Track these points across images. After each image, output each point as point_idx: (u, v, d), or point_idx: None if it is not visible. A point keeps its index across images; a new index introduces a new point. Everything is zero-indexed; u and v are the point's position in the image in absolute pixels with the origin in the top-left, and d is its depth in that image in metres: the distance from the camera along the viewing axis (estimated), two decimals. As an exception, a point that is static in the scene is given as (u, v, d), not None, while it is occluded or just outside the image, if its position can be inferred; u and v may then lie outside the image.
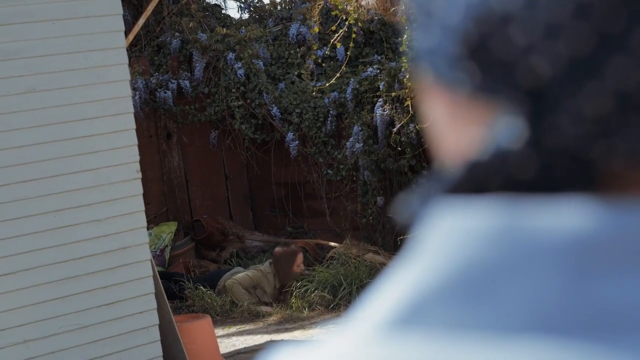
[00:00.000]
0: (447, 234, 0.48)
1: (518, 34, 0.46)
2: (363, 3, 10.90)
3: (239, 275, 9.95)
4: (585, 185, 0.46)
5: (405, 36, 10.01)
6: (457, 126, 0.51)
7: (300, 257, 10.06)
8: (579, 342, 0.44)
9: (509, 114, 0.47)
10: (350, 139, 10.73)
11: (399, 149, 10.40)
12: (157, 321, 6.59)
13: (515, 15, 0.46)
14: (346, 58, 11.24)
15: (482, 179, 0.47)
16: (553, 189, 0.46)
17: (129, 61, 6.72)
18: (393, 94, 10.29)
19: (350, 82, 10.90)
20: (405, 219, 0.52)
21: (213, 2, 12.66)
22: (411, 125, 10.12)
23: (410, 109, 10.10)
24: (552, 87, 0.46)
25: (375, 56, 11.46)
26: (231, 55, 11.58)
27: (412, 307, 0.47)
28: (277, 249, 10.23)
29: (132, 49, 11.39)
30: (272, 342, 8.49)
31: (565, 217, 0.46)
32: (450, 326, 0.46)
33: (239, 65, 11.52)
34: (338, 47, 11.22)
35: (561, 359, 0.43)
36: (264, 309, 9.69)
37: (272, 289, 9.99)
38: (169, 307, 6.95)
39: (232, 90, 11.59)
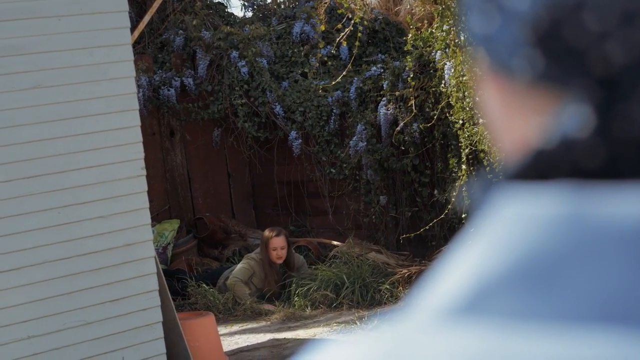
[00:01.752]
0: (510, 221, 0.47)
1: (592, 20, 0.45)
2: (367, 2, 10.90)
3: (237, 270, 9.92)
4: None
5: (410, 35, 10.00)
6: (515, 115, 0.50)
7: (275, 241, 9.88)
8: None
9: (576, 102, 0.46)
10: (354, 138, 10.73)
11: (403, 148, 10.40)
12: (160, 318, 6.58)
13: (589, 1, 0.46)
14: (350, 57, 11.24)
15: (549, 166, 0.47)
16: (620, 176, 0.45)
17: (133, 59, 6.71)
18: (397, 93, 10.28)
19: (354, 81, 10.90)
20: (467, 206, 0.51)
21: (217, 0, 12.66)
22: (415, 125, 10.11)
23: (413, 108, 10.09)
24: (626, 75, 0.45)
25: (379, 55, 11.46)
26: (235, 53, 11.58)
27: (474, 296, 0.47)
28: (265, 231, 10.18)
29: (135, 46, 11.39)
30: (274, 340, 8.48)
31: (630, 204, 0.45)
32: (512, 315, 0.45)
33: (243, 64, 11.52)
34: (343, 45, 11.21)
35: (625, 348, 0.43)
36: (266, 306, 9.67)
37: (264, 275, 9.96)
38: (173, 305, 6.95)
39: (236, 88, 11.58)
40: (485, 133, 8.34)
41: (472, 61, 0.52)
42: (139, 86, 10.99)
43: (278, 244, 9.86)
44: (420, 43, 9.96)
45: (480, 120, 8.29)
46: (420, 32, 10.03)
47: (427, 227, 9.94)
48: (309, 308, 9.47)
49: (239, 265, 10.02)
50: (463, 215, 9.35)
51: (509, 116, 0.51)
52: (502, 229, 0.47)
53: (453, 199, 9.36)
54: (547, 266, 0.45)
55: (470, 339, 0.45)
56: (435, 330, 0.47)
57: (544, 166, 0.47)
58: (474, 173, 8.80)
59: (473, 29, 0.51)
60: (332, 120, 11.08)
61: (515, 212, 0.47)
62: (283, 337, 8.56)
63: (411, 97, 10.11)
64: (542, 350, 0.44)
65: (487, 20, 0.50)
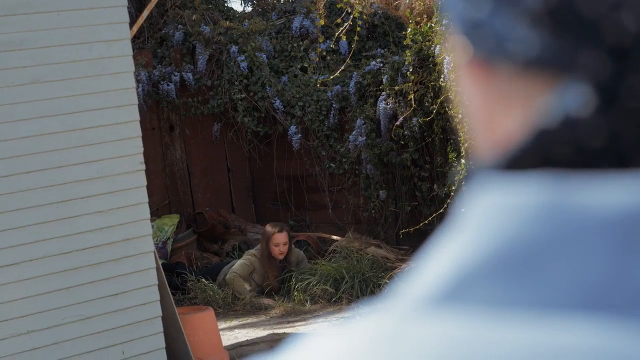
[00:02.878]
0: (492, 210, 0.47)
1: None
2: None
3: (236, 266, 9.93)
4: None
5: (409, 29, 10.00)
6: (498, 107, 0.50)
7: (278, 237, 9.89)
8: (625, 319, 0.43)
9: (581, 77, 0.46)
10: (353, 133, 10.73)
11: (402, 142, 10.40)
12: (160, 313, 6.59)
13: None
14: (350, 51, 11.23)
15: (550, 147, 0.46)
16: (624, 154, 0.45)
17: (132, 53, 6.70)
18: (396, 87, 10.28)
19: (353, 75, 10.89)
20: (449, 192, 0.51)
21: (216, -5, 12.65)
22: (414, 119, 10.11)
23: (413, 102, 10.09)
24: (639, 43, 0.45)
25: (379, 50, 11.45)
26: (234, 48, 11.57)
27: (455, 284, 0.47)
28: (266, 226, 10.19)
29: (135, 41, 11.38)
30: (274, 334, 8.49)
31: (616, 192, 0.45)
32: (494, 303, 0.45)
33: (242, 58, 11.51)
34: (343, 39, 11.21)
35: (607, 336, 0.43)
36: (266, 301, 9.68)
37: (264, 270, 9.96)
38: (172, 299, 6.95)
39: (235, 83, 11.58)
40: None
41: (455, 52, 0.49)
42: (138, 81, 10.99)
43: (280, 240, 9.86)
44: (420, 37, 9.96)
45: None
46: (420, 26, 10.02)
47: (426, 222, 9.94)
48: (308, 303, 9.47)
49: (239, 261, 10.02)
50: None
51: (491, 108, 0.50)
52: (483, 218, 0.47)
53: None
54: (529, 254, 0.45)
55: (452, 327, 0.45)
56: (418, 319, 0.47)
57: (528, 154, 0.47)
58: (472, 166, 8.78)
59: (459, 16, 0.50)
60: (331, 115, 11.08)
61: (497, 201, 0.47)
62: (283, 331, 8.56)
63: (410, 92, 10.11)
64: (524, 337, 0.44)
65: (476, 5, 0.49)
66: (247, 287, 9.83)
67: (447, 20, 0.52)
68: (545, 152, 0.46)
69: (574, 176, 0.46)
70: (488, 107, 0.50)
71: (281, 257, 9.87)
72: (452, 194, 9.42)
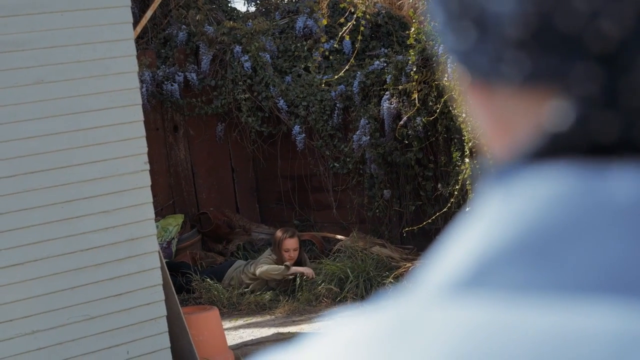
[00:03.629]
0: (511, 198, 0.48)
1: (580, 2, 0.46)
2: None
3: (262, 262, 9.94)
4: None
5: (413, 29, 10.00)
6: (504, 123, 0.51)
7: (288, 243, 9.92)
8: None
9: (578, 86, 0.46)
10: (357, 132, 10.73)
11: (406, 142, 10.40)
12: (164, 312, 6.59)
13: None
14: (353, 51, 11.23)
15: (552, 145, 0.47)
16: (634, 151, 0.46)
17: (136, 54, 6.71)
18: (400, 87, 10.28)
19: (357, 75, 10.89)
20: (479, 183, 0.51)
21: (220, -5, 12.66)
22: (418, 119, 10.11)
23: (416, 102, 10.09)
24: (624, 47, 0.45)
25: (382, 49, 11.45)
26: (238, 48, 11.58)
27: (476, 269, 0.47)
28: (276, 232, 10.20)
29: (139, 41, 11.39)
30: (279, 334, 8.49)
31: (634, 178, 0.45)
32: (515, 288, 0.46)
33: (246, 58, 11.52)
34: (346, 39, 11.21)
35: (627, 318, 0.43)
36: (301, 269, 9.68)
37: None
38: (177, 299, 6.95)
39: (239, 83, 11.58)
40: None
41: (457, 77, 0.51)
42: (142, 81, 11.00)
43: (291, 245, 9.89)
44: (423, 37, 9.96)
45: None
46: (423, 25, 10.02)
47: (430, 221, 9.94)
48: (313, 302, 9.48)
49: (262, 264, 9.99)
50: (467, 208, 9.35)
51: (497, 126, 0.51)
52: (504, 205, 0.48)
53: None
54: (549, 240, 0.46)
55: (474, 312, 0.46)
56: (439, 305, 0.47)
57: (547, 146, 0.47)
58: (476, 163, 8.79)
59: (451, 46, 0.52)
60: (335, 115, 11.08)
61: (516, 190, 0.48)
62: (287, 331, 8.57)
63: (414, 91, 10.11)
64: (545, 321, 0.44)
65: (463, 36, 0.50)
66: (275, 265, 9.84)
67: (445, 50, 0.53)
68: (561, 144, 0.47)
69: (590, 165, 0.46)
70: (495, 124, 0.51)
71: (291, 262, 9.90)
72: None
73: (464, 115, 9.20)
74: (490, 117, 0.52)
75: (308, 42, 11.76)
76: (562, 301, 0.44)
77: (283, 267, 9.77)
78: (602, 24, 0.45)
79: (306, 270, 9.74)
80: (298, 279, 9.76)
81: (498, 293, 0.46)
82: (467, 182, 9.25)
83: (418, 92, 10.10)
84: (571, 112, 0.47)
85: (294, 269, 9.77)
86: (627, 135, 0.46)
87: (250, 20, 11.99)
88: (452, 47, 0.52)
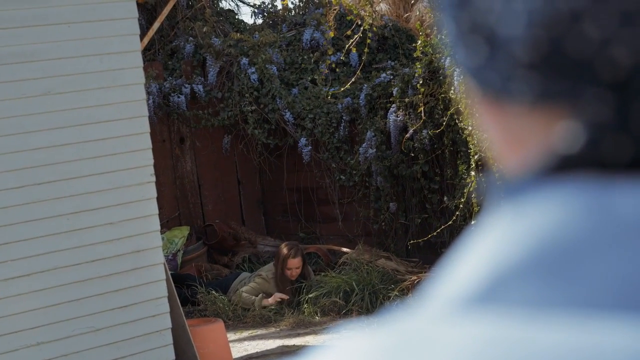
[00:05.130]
0: (525, 212, 0.48)
1: (592, 29, 0.46)
2: (377, 9, 10.90)
3: (242, 289, 9.91)
4: None
5: (420, 42, 10.01)
6: (515, 139, 0.50)
7: (292, 263, 9.87)
8: None
9: (589, 112, 0.46)
10: (363, 145, 10.73)
11: (412, 154, 10.39)
12: (170, 324, 6.59)
13: (585, 10, 0.46)
14: (360, 64, 11.24)
15: (563, 162, 0.47)
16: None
17: (143, 65, 6.72)
18: (406, 99, 10.28)
19: (364, 87, 10.90)
20: (487, 197, 0.51)
21: (227, 8, 12.68)
22: (424, 131, 10.11)
23: (423, 114, 10.09)
24: (635, 74, 0.45)
25: (389, 62, 11.46)
26: (245, 60, 11.59)
27: (489, 284, 0.47)
28: (281, 247, 10.17)
29: (145, 53, 11.41)
30: (284, 347, 8.48)
31: None
32: (529, 304, 0.45)
33: (253, 70, 11.53)
34: (353, 52, 11.22)
35: (638, 336, 0.43)
36: (272, 300, 9.65)
37: (277, 291, 9.96)
38: (182, 311, 6.95)
39: (246, 95, 11.60)
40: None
41: (466, 91, 0.52)
42: (149, 93, 11.01)
43: (294, 265, 9.87)
44: (430, 49, 9.96)
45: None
46: (430, 38, 10.03)
47: (436, 234, 9.93)
48: (318, 315, 9.47)
49: (249, 285, 9.96)
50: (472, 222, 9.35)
51: (508, 142, 0.51)
52: (516, 219, 0.48)
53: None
54: (563, 255, 0.46)
55: (486, 328, 0.45)
56: (449, 320, 0.47)
57: (562, 163, 0.47)
58: (482, 177, 8.79)
59: (461, 61, 0.51)
60: (341, 127, 11.09)
61: (528, 205, 0.48)
62: (292, 343, 8.56)
63: (421, 104, 10.11)
64: (559, 338, 0.44)
65: (474, 51, 0.50)
66: (252, 297, 9.81)
67: (455, 63, 0.53)
68: (571, 164, 0.47)
69: (600, 183, 0.46)
70: (505, 140, 0.51)
71: (292, 279, 9.90)
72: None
73: (470, 128, 9.20)
74: (500, 132, 0.51)
75: (315, 54, 11.77)
76: (575, 318, 0.44)
77: (258, 299, 9.74)
78: (613, 51, 0.45)
79: (277, 298, 9.71)
80: (304, 291, 9.75)
81: (510, 309, 0.46)
82: (473, 195, 9.24)
83: (424, 104, 10.10)
84: (581, 134, 0.47)
85: (265, 302, 9.73)
86: (638, 158, 0.46)
87: (257, 33, 12.01)
88: (463, 61, 0.52)
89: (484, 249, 0.48)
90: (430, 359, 0.46)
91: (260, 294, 9.78)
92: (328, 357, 0.50)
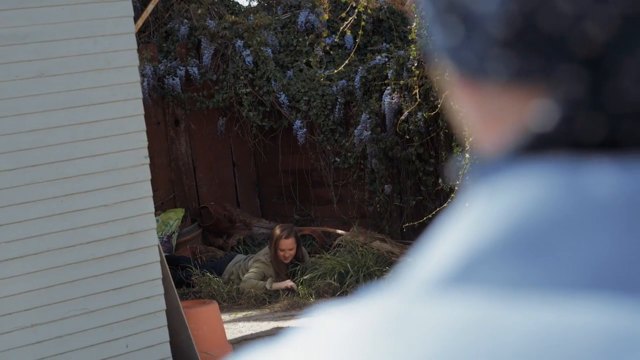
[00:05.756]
0: (499, 192, 0.48)
1: (565, 4, 0.46)
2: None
3: (247, 276, 9.89)
4: None
5: (415, 24, 9.99)
6: (492, 118, 0.50)
7: (284, 243, 9.86)
8: (632, 298, 0.43)
9: (562, 90, 0.47)
10: (358, 127, 10.72)
11: (407, 137, 10.39)
12: (164, 306, 6.60)
13: None
14: (355, 46, 11.23)
15: (539, 142, 0.47)
16: (618, 148, 0.46)
17: (137, 47, 6.71)
18: (401, 82, 10.27)
19: (359, 70, 10.89)
20: (454, 179, 0.51)
21: (222, -11, 12.64)
22: (419, 114, 10.11)
23: (418, 97, 10.08)
24: (609, 50, 0.45)
25: (384, 44, 11.45)
26: (239, 42, 11.57)
27: (464, 265, 0.47)
28: (274, 228, 10.16)
29: (140, 35, 11.39)
30: (278, 328, 8.50)
31: (620, 174, 0.45)
32: (504, 284, 0.45)
33: (247, 53, 11.51)
34: (348, 34, 11.20)
35: (617, 315, 0.43)
36: (284, 285, 9.64)
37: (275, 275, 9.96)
38: (176, 293, 6.96)
39: (240, 77, 11.58)
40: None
41: (443, 71, 0.52)
42: (143, 75, 10.99)
43: (286, 245, 9.83)
44: (425, 32, 9.95)
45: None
46: (425, 20, 10.00)
47: (431, 216, 9.94)
48: (313, 297, 9.48)
49: (250, 272, 9.94)
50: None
51: (485, 122, 0.51)
52: (491, 200, 0.48)
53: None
54: (537, 235, 0.46)
55: (462, 309, 0.45)
56: (426, 301, 0.47)
57: (536, 142, 0.48)
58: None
59: (437, 41, 0.52)
60: (336, 110, 11.08)
61: (505, 184, 0.48)
62: (287, 325, 8.57)
63: (415, 86, 10.11)
64: (534, 318, 0.44)
65: (450, 31, 0.50)
66: (257, 282, 9.80)
67: (434, 46, 0.53)
68: (546, 142, 0.47)
69: (576, 161, 0.46)
70: (482, 120, 0.51)
71: (286, 261, 9.87)
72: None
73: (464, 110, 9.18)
74: (478, 112, 0.52)
75: (310, 36, 11.75)
76: (550, 298, 0.44)
77: (264, 284, 9.73)
78: (586, 27, 0.45)
79: (288, 284, 9.69)
80: (299, 272, 9.76)
81: (486, 289, 0.46)
82: (468, 177, 9.24)
83: (419, 87, 10.09)
84: (555, 112, 0.47)
85: (276, 285, 9.71)
86: (612, 136, 0.46)
87: (252, 15, 11.98)
88: (440, 41, 0.52)
89: (459, 229, 0.48)
90: (406, 341, 0.46)
91: (270, 278, 9.77)
92: (305, 339, 0.50)
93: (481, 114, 0.51)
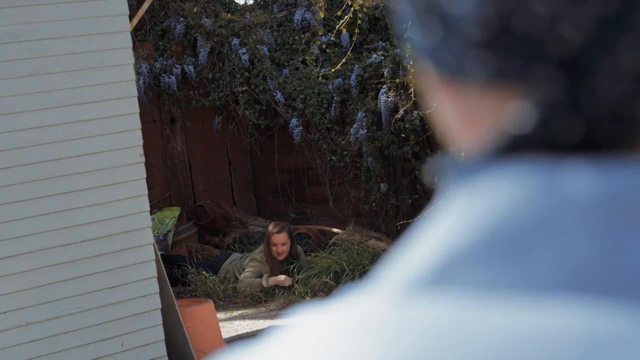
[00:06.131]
0: (477, 194, 0.48)
1: (540, 6, 0.46)
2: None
3: (244, 275, 9.90)
4: (629, 143, 0.46)
5: (410, 23, 9.99)
6: (471, 118, 0.50)
7: (276, 238, 9.85)
8: (609, 301, 0.43)
9: (539, 91, 0.46)
10: (354, 126, 10.73)
11: (403, 135, 10.40)
12: (159, 305, 6.60)
13: None
14: (351, 44, 11.23)
15: (517, 143, 0.47)
16: (596, 149, 0.46)
17: (133, 46, 6.71)
18: (397, 80, 10.28)
19: (355, 68, 10.89)
20: (434, 180, 0.51)
21: (218, -12, 12.64)
22: (415, 112, 10.12)
23: (414, 95, 10.09)
24: (585, 52, 0.45)
25: (380, 43, 11.45)
26: (235, 40, 11.57)
27: (442, 266, 0.47)
28: (269, 225, 10.17)
29: (136, 33, 11.39)
30: (274, 327, 8.50)
31: (598, 175, 0.45)
32: (481, 286, 0.46)
33: (244, 51, 11.51)
34: (344, 32, 11.20)
35: (594, 317, 0.43)
36: (279, 279, 9.65)
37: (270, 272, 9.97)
38: (172, 291, 6.96)
39: (236, 75, 11.58)
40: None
41: (422, 73, 0.51)
42: (139, 73, 10.99)
43: (278, 240, 9.83)
44: (408, 33, 9.95)
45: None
46: (404, 21, 10.00)
47: (426, 215, 9.94)
48: (309, 295, 9.48)
49: (247, 272, 9.95)
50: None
51: (464, 123, 0.51)
52: (469, 202, 0.48)
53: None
54: (514, 236, 0.46)
55: (439, 310, 0.45)
56: (404, 302, 0.47)
57: (514, 143, 0.47)
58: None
59: (417, 42, 0.52)
60: (332, 108, 11.08)
61: (482, 186, 0.48)
62: (282, 324, 8.57)
63: (411, 85, 10.11)
64: (512, 319, 0.44)
65: (429, 32, 0.50)
66: (252, 279, 9.82)
67: (411, 44, 0.54)
68: (524, 143, 0.47)
69: (554, 163, 0.46)
70: (461, 121, 0.51)
71: (280, 257, 9.85)
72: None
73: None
74: (457, 113, 0.52)
75: (306, 35, 11.75)
76: (531, 300, 0.44)
77: (260, 281, 9.75)
78: (562, 29, 0.45)
79: (283, 279, 9.70)
80: (294, 271, 9.76)
81: (463, 291, 0.46)
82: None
83: (415, 85, 10.10)
84: (533, 114, 0.47)
85: (272, 280, 9.73)
86: (589, 137, 0.46)
87: (248, 13, 11.98)
88: (420, 42, 0.52)
89: (438, 230, 0.48)
90: (382, 343, 0.46)
91: (265, 274, 9.79)
92: (285, 338, 0.50)
93: (460, 114, 0.52)
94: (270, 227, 9.96)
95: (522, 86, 0.47)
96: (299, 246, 10.32)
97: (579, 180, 0.46)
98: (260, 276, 9.82)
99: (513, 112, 0.48)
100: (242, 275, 9.88)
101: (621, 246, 0.44)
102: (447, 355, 0.44)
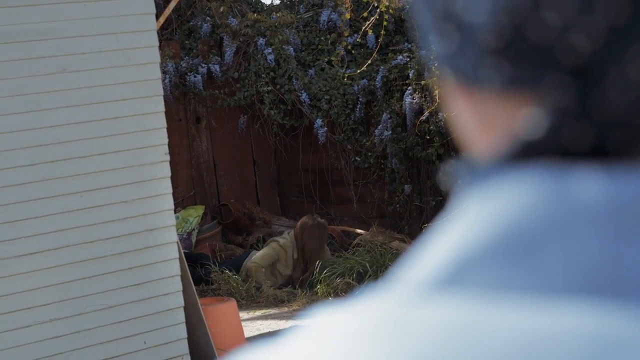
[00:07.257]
0: (490, 198, 0.49)
1: (552, 15, 0.47)
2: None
3: (258, 255, 9.97)
4: (637, 150, 0.47)
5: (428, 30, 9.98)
6: (487, 123, 0.51)
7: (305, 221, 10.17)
8: (618, 303, 0.44)
9: (551, 99, 0.47)
10: (379, 127, 10.72)
11: (428, 137, 10.39)
12: (182, 303, 6.61)
13: None
14: (377, 46, 11.22)
15: (530, 149, 0.48)
16: (606, 156, 0.47)
17: (160, 44, 6.73)
18: (422, 82, 10.27)
19: (380, 69, 10.89)
20: (450, 183, 0.52)
21: (244, -13, 12.66)
22: (440, 114, 10.10)
23: (438, 97, 10.08)
24: (595, 60, 0.46)
25: (406, 44, 11.44)
26: (261, 40, 11.59)
27: (455, 268, 0.48)
28: (305, 219, 10.20)
29: (163, 32, 11.42)
30: (293, 327, 8.50)
31: (607, 181, 0.46)
32: (494, 287, 0.46)
33: (269, 51, 11.52)
34: (370, 33, 11.20)
35: (603, 319, 0.44)
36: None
37: (293, 262, 10.00)
38: (195, 290, 6.97)
39: (262, 75, 11.60)
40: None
41: (441, 78, 0.53)
42: (165, 72, 11.03)
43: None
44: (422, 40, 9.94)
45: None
46: (421, 28, 9.98)
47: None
48: (331, 296, 9.48)
49: (263, 250, 10.04)
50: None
51: (480, 128, 0.52)
52: (482, 204, 0.49)
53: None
54: (526, 240, 0.46)
55: (452, 311, 0.46)
56: (418, 303, 0.47)
57: (525, 149, 0.48)
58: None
59: (435, 49, 0.53)
60: (357, 109, 11.08)
61: (496, 189, 0.49)
62: (302, 324, 8.57)
63: (437, 87, 10.10)
64: (523, 321, 0.44)
65: (446, 39, 0.51)
66: (263, 277, 9.87)
67: (429, 50, 0.55)
68: (535, 149, 0.48)
69: (565, 168, 0.47)
70: (477, 126, 0.52)
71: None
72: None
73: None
74: (473, 119, 0.52)
75: (332, 35, 11.76)
76: (538, 302, 0.45)
77: (262, 277, 9.87)
78: (573, 38, 0.46)
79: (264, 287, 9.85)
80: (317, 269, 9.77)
81: (475, 292, 0.46)
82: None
83: (440, 87, 10.08)
84: (544, 120, 0.47)
85: (265, 288, 9.88)
86: (599, 144, 0.47)
87: (275, 13, 12.00)
88: (437, 48, 0.53)
89: (452, 232, 0.49)
90: (397, 343, 0.46)
91: (264, 283, 9.85)
92: (298, 340, 0.50)
93: (476, 119, 0.52)
94: (322, 220, 10.15)
95: (534, 93, 0.48)
96: (326, 245, 10.34)
97: (589, 186, 0.46)
98: (274, 261, 9.90)
99: (525, 118, 0.48)
100: (255, 255, 9.97)
101: (630, 250, 0.45)
102: (459, 355, 0.44)
